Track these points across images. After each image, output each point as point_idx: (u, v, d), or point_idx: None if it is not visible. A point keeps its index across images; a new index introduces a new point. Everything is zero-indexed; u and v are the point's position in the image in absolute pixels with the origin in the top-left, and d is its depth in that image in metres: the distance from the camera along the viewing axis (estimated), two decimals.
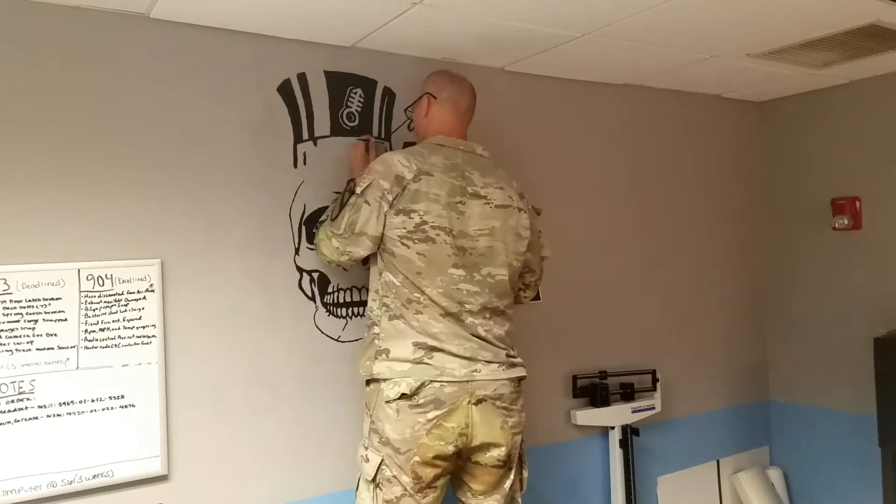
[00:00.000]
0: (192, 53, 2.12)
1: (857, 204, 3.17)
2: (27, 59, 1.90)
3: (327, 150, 2.35)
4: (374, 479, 1.97)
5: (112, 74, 2.01)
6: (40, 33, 1.91)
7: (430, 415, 1.92)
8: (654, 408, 3.00)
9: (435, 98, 2.16)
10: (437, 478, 1.97)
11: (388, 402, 1.94)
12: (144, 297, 2.01)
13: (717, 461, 3.36)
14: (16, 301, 1.85)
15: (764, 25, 2.34)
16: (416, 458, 1.92)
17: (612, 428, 2.92)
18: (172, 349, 2.06)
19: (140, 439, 2.00)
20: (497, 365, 2.01)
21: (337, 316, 2.35)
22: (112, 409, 1.96)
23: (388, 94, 2.47)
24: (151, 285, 2.03)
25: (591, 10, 2.13)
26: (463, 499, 2.11)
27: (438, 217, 1.98)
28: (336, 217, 2.06)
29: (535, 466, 2.54)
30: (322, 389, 2.31)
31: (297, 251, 2.29)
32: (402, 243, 1.97)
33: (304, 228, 2.30)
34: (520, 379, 2.08)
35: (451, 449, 1.94)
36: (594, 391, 2.90)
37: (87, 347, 1.93)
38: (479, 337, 2.01)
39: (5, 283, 1.84)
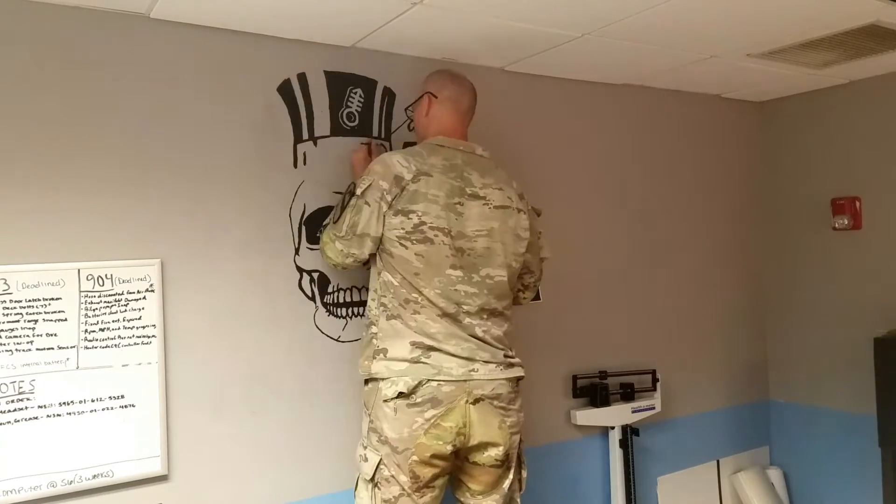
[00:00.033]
0: (192, 53, 2.12)
1: (857, 204, 3.17)
2: (27, 59, 1.90)
3: (327, 150, 2.35)
4: (372, 479, 1.97)
5: (112, 74, 2.01)
6: (40, 33, 1.91)
7: (428, 414, 1.92)
8: (654, 408, 3.00)
9: (436, 97, 2.16)
10: (435, 477, 1.97)
11: (385, 401, 1.94)
12: (144, 297, 2.02)
13: (717, 461, 3.37)
14: (16, 301, 1.85)
15: (764, 25, 2.34)
16: (414, 458, 1.92)
17: (612, 428, 2.92)
18: (172, 349, 2.06)
19: (140, 439, 2.00)
20: (495, 365, 2.01)
21: (337, 316, 2.36)
22: (112, 409, 1.96)
23: (388, 94, 2.47)
24: (151, 285, 2.03)
25: (591, 10, 2.13)
26: (462, 499, 2.11)
27: (437, 218, 1.98)
28: (338, 220, 2.06)
29: (535, 466, 2.54)
30: (322, 389, 2.31)
31: (297, 251, 2.29)
32: (401, 244, 1.97)
33: (304, 228, 2.30)
34: (518, 379, 2.08)
35: (448, 448, 1.94)
36: (594, 391, 2.90)
37: (87, 347, 1.93)
38: (477, 337, 2.01)
39: (5, 283, 1.84)
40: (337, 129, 2.38)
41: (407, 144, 2.42)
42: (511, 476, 2.09)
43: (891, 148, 3.07)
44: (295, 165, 2.30)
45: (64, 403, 1.90)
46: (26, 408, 1.86)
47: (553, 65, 2.70)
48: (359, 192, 2.01)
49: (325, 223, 2.20)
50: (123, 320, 1.98)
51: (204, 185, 2.14)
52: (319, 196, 2.32)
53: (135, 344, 2.00)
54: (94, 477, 1.93)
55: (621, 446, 2.91)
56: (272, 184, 2.25)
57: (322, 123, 2.35)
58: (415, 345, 1.96)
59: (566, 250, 2.84)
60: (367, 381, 2.06)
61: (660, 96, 3.18)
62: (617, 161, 3.07)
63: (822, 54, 2.69)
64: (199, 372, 2.11)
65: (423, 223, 1.97)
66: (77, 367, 1.92)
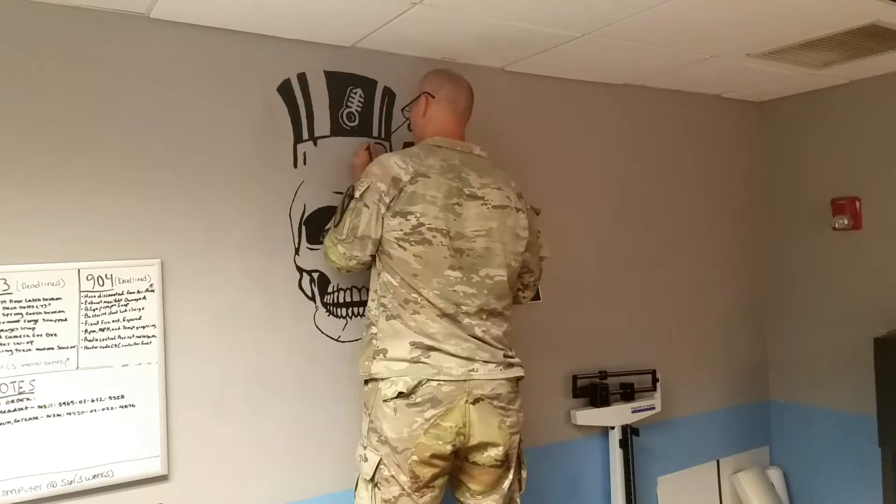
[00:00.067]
0: (192, 53, 2.12)
1: (857, 204, 3.17)
2: (27, 59, 1.90)
3: (327, 150, 2.35)
4: (372, 479, 1.97)
5: (112, 74, 2.01)
6: (40, 33, 1.91)
7: (428, 414, 1.92)
8: (654, 408, 3.00)
9: (433, 97, 2.16)
10: (435, 477, 1.97)
11: (385, 400, 1.94)
12: (144, 297, 2.02)
13: (717, 461, 3.37)
14: (16, 301, 1.85)
15: (764, 25, 2.34)
16: (414, 458, 1.92)
17: (612, 428, 2.92)
18: (172, 349, 2.06)
19: (140, 439, 2.00)
20: (494, 365, 2.01)
21: (337, 316, 2.36)
22: (112, 409, 1.96)
23: (388, 94, 2.47)
24: (151, 285, 2.03)
25: (591, 10, 2.13)
26: (461, 499, 2.11)
27: (435, 219, 1.98)
28: (338, 223, 2.07)
29: (535, 466, 2.54)
30: (322, 389, 2.31)
31: (297, 251, 2.29)
32: (399, 245, 1.97)
33: (304, 228, 2.30)
34: (517, 379, 2.09)
35: (448, 448, 1.94)
36: (594, 391, 2.90)
37: (87, 347, 1.93)
38: (477, 337, 2.01)
39: (5, 283, 1.84)
40: (337, 129, 2.38)
41: (407, 144, 2.42)
42: (511, 476, 2.09)
43: (891, 148, 3.07)
44: (295, 165, 2.30)
45: (64, 403, 1.90)
46: (26, 408, 1.86)
47: (553, 65, 2.70)
48: (357, 194, 2.01)
49: (326, 228, 2.20)
50: (123, 320, 1.98)
51: (204, 185, 2.14)
52: (319, 196, 2.32)
53: (135, 344, 2.00)
54: (94, 477, 1.93)
55: (621, 446, 2.91)
56: (272, 184, 2.25)
57: (322, 123, 2.35)
58: (414, 345, 1.96)
59: (566, 250, 2.84)
60: (366, 382, 2.06)
61: (660, 96, 3.18)
62: (617, 161, 3.07)
63: (822, 54, 2.69)
64: (199, 372, 2.11)
65: (422, 224, 1.97)
66: (77, 367, 1.92)
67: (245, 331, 2.19)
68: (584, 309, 2.95)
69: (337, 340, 2.35)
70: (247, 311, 2.19)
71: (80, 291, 1.93)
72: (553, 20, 2.20)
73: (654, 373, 3.02)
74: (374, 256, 2.06)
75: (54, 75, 1.93)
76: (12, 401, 1.84)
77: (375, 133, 2.45)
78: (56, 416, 1.89)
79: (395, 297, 2.00)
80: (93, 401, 1.94)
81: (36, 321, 1.87)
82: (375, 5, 2.03)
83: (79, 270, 1.93)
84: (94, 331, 1.94)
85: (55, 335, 1.89)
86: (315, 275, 2.32)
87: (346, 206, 2.05)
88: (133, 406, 1.99)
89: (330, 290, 2.34)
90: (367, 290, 2.17)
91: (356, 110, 2.41)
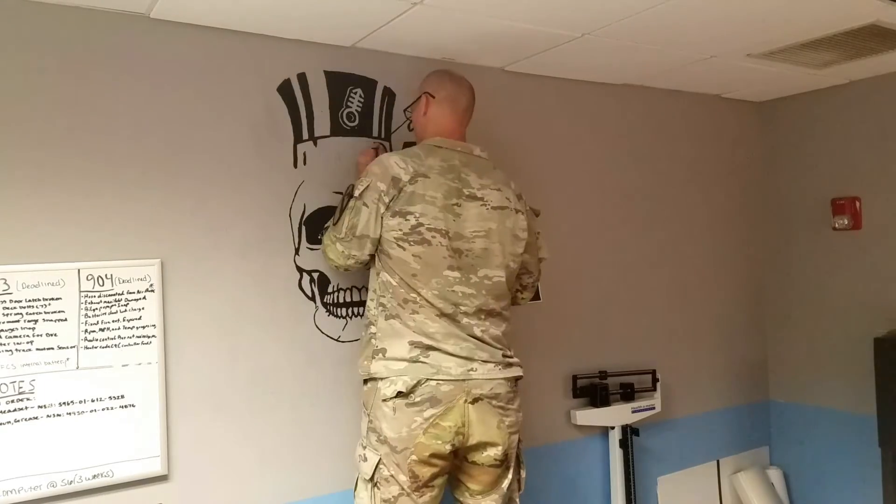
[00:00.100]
0: (192, 53, 2.13)
1: (857, 204, 3.17)
2: (27, 59, 1.90)
3: (327, 150, 2.35)
4: (371, 479, 1.97)
5: (112, 74, 2.01)
6: (40, 33, 1.91)
7: (427, 413, 1.92)
8: (654, 408, 3.00)
9: (433, 97, 2.16)
10: (434, 477, 1.97)
11: (384, 400, 1.95)
12: (144, 297, 2.02)
13: (717, 461, 3.37)
14: (16, 301, 1.85)
15: (764, 25, 2.34)
16: (413, 457, 1.92)
17: (612, 428, 2.92)
18: (172, 349, 2.06)
19: (140, 439, 2.00)
20: (493, 364, 2.01)
21: (337, 316, 2.36)
22: (112, 409, 1.96)
23: (388, 94, 2.47)
24: (151, 285, 2.03)
25: (591, 10, 2.13)
26: (461, 499, 2.11)
27: (434, 219, 1.98)
28: (337, 222, 2.07)
29: (535, 466, 2.54)
30: (322, 389, 2.31)
31: (297, 251, 2.29)
32: (398, 245, 1.97)
33: (304, 228, 2.30)
34: (516, 379, 2.09)
35: (447, 448, 1.94)
36: (594, 391, 2.90)
37: (87, 347, 1.93)
38: (476, 337, 2.01)
39: (5, 283, 1.84)
40: (337, 129, 2.38)
41: (407, 144, 2.42)
42: (510, 476, 2.09)
43: (891, 148, 3.07)
44: (295, 165, 2.30)
45: (64, 403, 1.90)
46: (26, 408, 1.86)
47: (553, 65, 2.70)
48: (357, 193, 2.01)
49: (326, 226, 2.20)
50: (123, 320, 1.98)
51: (204, 184, 2.14)
52: (319, 196, 2.32)
53: (135, 344, 2.00)
54: (94, 477, 1.93)
55: (621, 446, 2.91)
56: (272, 184, 2.25)
57: (322, 123, 2.35)
58: (413, 344, 1.96)
59: (566, 250, 2.84)
60: (365, 381, 2.06)
61: (660, 96, 3.18)
62: (617, 161, 3.07)
63: (822, 54, 2.69)
64: (199, 372, 2.11)
65: (421, 224, 1.97)
66: (77, 367, 1.92)
67: (245, 331, 2.19)
68: (584, 309, 2.95)
69: (337, 340, 2.35)
70: (247, 311, 2.19)
71: (80, 291, 1.93)
72: (553, 20, 2.20)
73: (654, 373, 3.02)
74: (372, 256, 2.06)
75: (54, 75, 1.93)
76: (12, 401, 1.84)
77: (375, 133, 2.45)
78: (56, 416, 1.89)
79: (395, 297, 2.00)
80: (93, 401, 1.94)
81: (36, 321, 1.87)
82: (375, 5, 2.03)
83: (79, 270, 1.93)
84: (94, 331, 1.94)
85: (55, 335, 1.89)
86: (315, 275, 2.32)
87: (346, 205, 2.05)
88: (133, 406, 1.99)
89: (330, 290, 2.34)
90: (367, 289, 2.17)
91: (356, 110, 2.41)
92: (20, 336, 1.85)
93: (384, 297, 2.02)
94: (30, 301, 1.87)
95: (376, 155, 2.27)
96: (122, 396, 1.98)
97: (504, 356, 2.05)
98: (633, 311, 3.10)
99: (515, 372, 2.07)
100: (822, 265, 3.32)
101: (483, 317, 2.04)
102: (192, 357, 2.10)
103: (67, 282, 1.91)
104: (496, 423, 2.00)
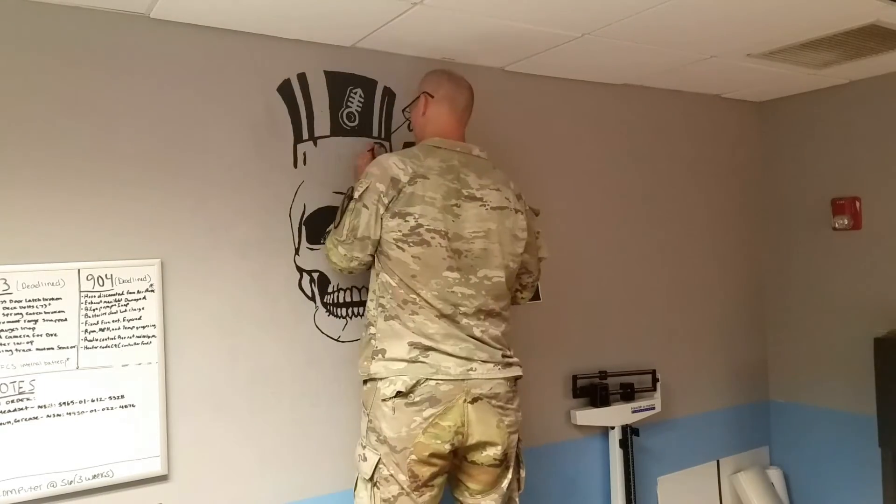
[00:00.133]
0: (192, 53, 2.13)
1: (857, 204, 3.17)
2: (27, 59, 1.90)
3: (327, 150, 2.35)
4: (371, 478, 1.97)
5: (112, 74, 2.01)
6: (40, 33, 1.91)
7: (426, 413, 1.92)
8: (654, 408, 3.00)
9: (432, 97, 2.16)
10: (433, 476, 1.97)
11: (384, 400, 1.95)
12: (144, 297, 2.02)
13: (717, 461, 3.37)
14: (16, 301, 1.85)
15: (764, 25, 2.34)
16: (413, 457, 1.92)
17: (612, 428, 2.92)
18: (172, 349, 2.06)
19: (140, 439, 2.00)
20: (493, 364, 2.01)
21: (337, 316, 2.36)
22: (112, 409, 1.96)
23: (388, 94, 2.47)
24: (151, 285, 2.03)
25: (591, 10, 2.13)
26: (460, 498, 2.11)
27: (434, 220, 1.98)
28: (338, 224, 2.07)
29: (535, 466, 2.54)
30: (322, 389, 2.31)
31: (297, 251, 2.29)
32: (398, 246, 1.97)
33: (304, 228, 2.30)
34: (516, 378, 2.09)
35: (447, 447, 1.94)
36: (594, 391, 2.90)
37: (87, 347, 1.93)
38: (475, 338, 2.01)
39: (5, 283, 1.84)
40: (337, 129, 2.38)
41: (407, 144, 2.42)
42: (510, 475, 2.09)
43: (891, 148, 3.07)
44: (295, 165, 2.30)
45: (64, 403, 1.90)
46: (26, 408, 1.86)
47: (553, 65, 2.70)
48: (356, 195, 2.01)
49: (327, 230, 2.20)
50: (123, 320, 1.98)
51: (204, 184, 2.14)
52: (319, 196, 2.32)
53: (135, 344, 2.00)
54: (94, 477, 1.93)
55: (621, 446, 2.91)
56: (272, 184, 2.25)
57: (322, 123, 2.35)
58: (413, 345, 1.96)
59: (566, 250, 2.84)
60: (365, 381, 2.06)
61: (660, 96, 3.18)
62: (617, 161, 3.07)
63: (822, 54, 2.69)
64: (199, 372, 2.11)
65: (420, 225, 1.97)
66: (77, 367, 1.92)
67: (245, 331, 2.19)
68: (584, 309, 2.95)
69: (337, 340, 2.35)
70: (247, 311, 2.19)
71: (80, 291, 1.93)
72: (553, 20, 2.20)
73: (654, 373, 3.02)
74: (374, 256, 2.06)
75: (54, 75, 1.93)
76: (12, 401, 1.84)
77: (375, 133, 2.45)
78: (56, 416, 1.89)
79: (394, 298, 2.00)
80: (93, 401, 1.94)
81: (36, 321, 1.87)
82: (375, 5, 2.03)
83: (79, 270, 1.93)
84: (94, 331, 1.94)
85: (55, 335, 1.89)
86: (315, 275, 2.32)
87: (346, 207, 2.05)
88: (133, 406, 1.99)
89: (330, 290, 2.34)
90: (367, 290, 2.17)
91: (356, 110, 2.41)
92: (20, 336, 1.85)
93: (383, 297, 2.02)
94: (30, 301, 1.87)
95: (373, 156, 2.27)
96: (122, 396, 1.98)
97: (503, 356, 2.05)
98: (633, 311, 3.10)
99: (515, 372, 2.07)
100: (822, 265, 3.32)
101: (483, 317, 2.04)
102: (192, 357, 2.10)
103: (67, 282, 1.91)
104: (495, 422, 2.00)
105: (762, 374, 3.57)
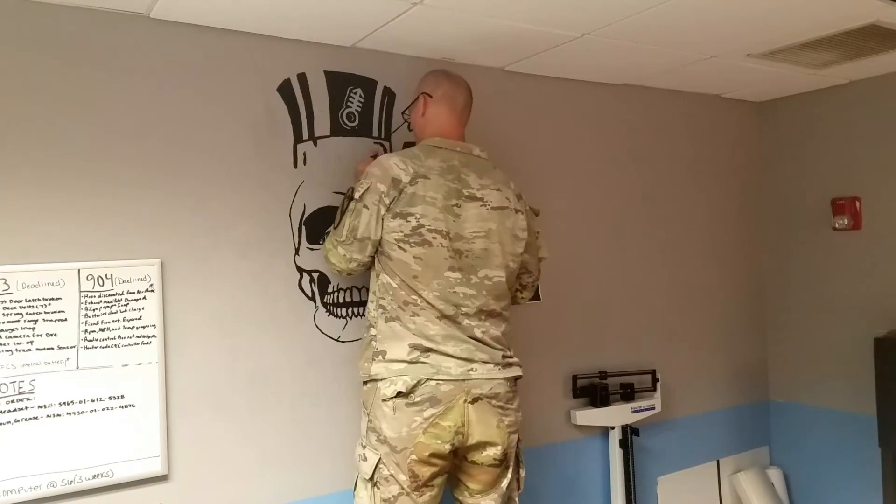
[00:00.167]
0: (192, 53, 2.13)
1: (857, 204, 3.17)
2: (27, 59, 1.90)
3: (327, 150, 2.35)
4: (371, 478, 1.97)
5: (112, 74, 2.01)
6: (40, 33, 1.91)
7: (427, 413, 1.92)
8: (654, 408, 3.00)
9: (431, 97, 2.16)
10: (434, 476, 1.97)
11: (384, 400, 1.95)
12: (144, 297, 2.02)
13: (717, 461, 3.37)
14: (16, 301, 1.85)
15: (764, 25, 2.34)
16: (413, 457, 1.92)
17: (612, 428, 2.92)
18: (172, 349, 2.06)
19: (140, 439, 2.00)
20: (493, 365, 2.01)
21: (337, 316, 2.36)
22: (112, 409, 1.96)
23: (388, 94, 2.47)
24: (151, 285, 2.03)
25: (591, 10, 2.13)
26: (460, 498, 2.11)
27: (435, 220, 1.98)
28: (338, 225, 2.07)
29: (535, 466, 2.54)
30: (322, 389, 2.31)
31: (297, 251, 2.29)
32: (399, 247, 1.97)
33: (304, 228, 2.30)
34: (516, 378, 2.09)
35: (447, 447, 1.94)
36: (594, 391, 2.90)
37: (87, 347, 1.93)
38: (476, 338, 2.01)
39: (5, 283, 1.84)
40: (337, 129, 2.38)
41: (407, 144, 2.42)
42: (509, 475, 2.09)
43: (891, 148, 3.07)
44: (295, 165, 2.30)
45: (64, 403, 1.90)
46: (26, 408, 1.86)
47: (553, 65, 2.70)
48: (357, 195, 2.01)
49: (327, 231, 2.20)
50: (123, 320, 1.98)
51: (204, 184, 2.14)
52: (319, 196, 2.32)
53: (135, 344, 2.00)
54: (94, 477, 1.93)
55: (621, 446, 2.91)
56: (272, 184, 2.25)
57: (322, 123, 2.35)
58: (413, 347, 1.96)
59: (566, 250, 2.84)
60: (365, 382, 2.06)
61: (660, 96, 3.18)
62: (617, 161, 3.07)
63: (822, 54, 2.69)
64: (199, 372, 2.11)
65: (422, 226, 1.97)
66: (77, 367, 1.92)
67: (245, 331, 2.19)
68: (584, 309, 2.95)
69: (337, 340, 2.35)
70: (247, 311, 2.19)
71: (80, 291, 1.93)
72: (553, 20, 2.20)
73: (654, 373, 3.02)
74: (373, 258, 2.06)
75: (54, 75, 1.93)
76: (12, 401, 1.84)
77: (375, 133, 2.45)
78: (56, 416, 1.89)
79: (395, 299, 2.00)
80: (93, 401, 1.94)
81: (36, 321, 1.87)
82: (375, 5, 2.03)
83: (79, 270, 1.93)
84: (94, 331, 1.94)
85: (55, 335, 1.89)
86: (315, 275, 2.32)
87: (346, 208, 2.05)
88: (133, 406, 1.99)
89: (330, 290, 2.34)
90: (367, 290, 2.17)
91: (356, 110, 2.41)
92: (20, 336, 1.85)
93: (384, 299, 2.02)
94: (30, 301, 1.87)
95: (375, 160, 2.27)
96: (122, 396, 1.98)
97: (504, 356, 2.06)
98: (633, 311, 3.10)
99: (515, 372, 2.08)
100: (822, 265, 3.32)
101: (483, 317, 2.04)
102: (192, 357, 2.10)
103: (67, 282, 1.91)
104: (496, 422, 2.00)
105: (762, 374, 3.57)
